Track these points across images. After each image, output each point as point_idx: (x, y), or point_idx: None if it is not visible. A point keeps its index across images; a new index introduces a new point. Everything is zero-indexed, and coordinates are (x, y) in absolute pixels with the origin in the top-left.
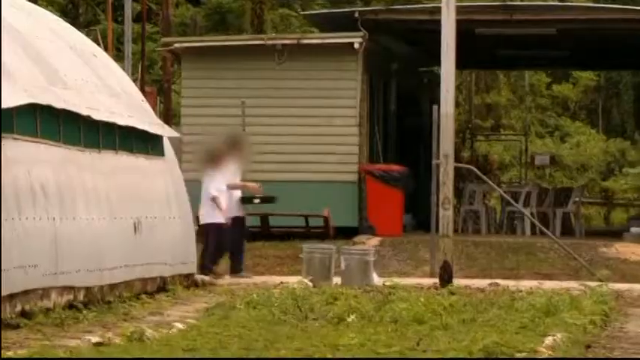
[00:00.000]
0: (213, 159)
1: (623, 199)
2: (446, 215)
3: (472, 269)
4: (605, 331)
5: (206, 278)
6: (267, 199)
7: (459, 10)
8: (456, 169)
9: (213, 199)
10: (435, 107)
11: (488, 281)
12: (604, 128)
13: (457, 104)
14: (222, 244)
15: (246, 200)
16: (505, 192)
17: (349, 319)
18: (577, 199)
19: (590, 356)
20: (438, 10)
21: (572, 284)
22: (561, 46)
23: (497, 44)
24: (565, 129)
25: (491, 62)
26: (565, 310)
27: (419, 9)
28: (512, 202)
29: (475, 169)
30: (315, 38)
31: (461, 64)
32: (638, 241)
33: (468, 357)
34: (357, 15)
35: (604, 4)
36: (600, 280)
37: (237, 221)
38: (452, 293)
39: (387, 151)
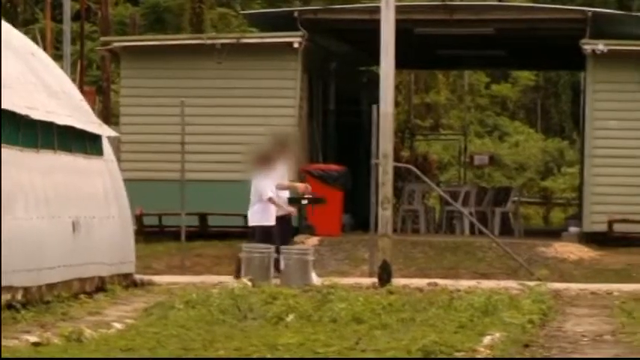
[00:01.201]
0: (264, 160)
1: (561, 199)
2: (385, 215)
3: (411, 269)
4: (544, 331)
5: (145, 278)
6: (315, 200)
7: (399, 9)
8: (395, 169)
9: (270, 201)
10: (374, 107)
11: (427, 281)
12: (542, 128)
13: (396, 104)
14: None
15: (294, 201)
16: (444, 191)
17: (288, 319)
18: (516, 198)
19: (528, 355)
20: (378, 9)
21: (511, 284)
22: (500, 46)
23: (436, 44)
24: (504, 128)
25: (430, 62)
26: (504, 309)
27: (358, 9)
28: (452, 201)
29: (414, 169)
30: (255, 38)
31: (400, 63)
32: (576, 241)
33: (407, 356)
34: (296, 14)
35: (543, 4)
36: (539, 280)
37: (283, 220)
38: (391, 293)
39: (326, 151)
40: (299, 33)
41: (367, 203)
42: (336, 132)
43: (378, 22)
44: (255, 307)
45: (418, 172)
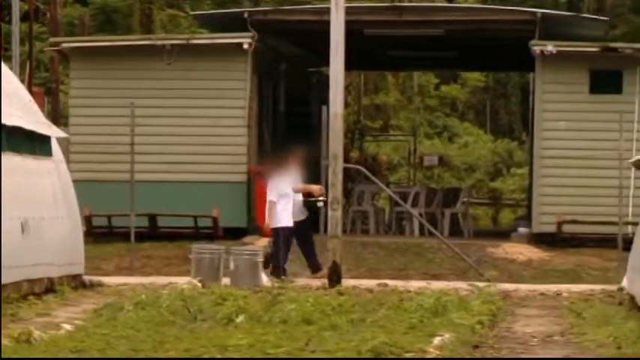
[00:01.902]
0: (279, 163)
1: (510, 200)
2: (334, 216)
3: (361, 270)
4: (493, 331)
5: (94, 279)
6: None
7: (348, 10)
8: (345, 170)
9: (270, 203)
10: (324, 108)
11: (376, 282)
12: (492, 129)
13: (346, 105)
14: (286, 246)
15: (310, 203)
16: (394, 192)
17: (238, 320)
18: (465, 199)
19: (478, 356)
20: (327, 11)
21: (461, 284)
22: (450, 47)
23: (385, 45)
24: (453, 129)
25: (380, 63)
26: (453, 310)
27: (308, 10)
28: (401, 202)
29: (364, 170)
30: (204, 39)
31: (350, 64)
32: (525, 242)
33: (357, 357)
34: (246, 15)
35: (492, 5)
36: (488, 281)
37: (302, 224)
38: (340, 294)
39: (276, 152)
40: (249, 34)
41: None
42: (285, 133)
43: (327, 23)
44: (205, 308)
45: (368, 173)
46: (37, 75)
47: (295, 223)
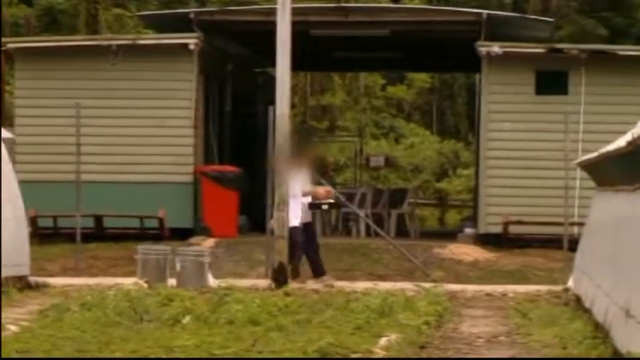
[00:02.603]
0: (289, 164)
1: (457, 200)
2: (281, 217)
3: (307, 270)
4: (440, 332)
5: (39, 280)
6: (337, 205)
7: (294, 11)
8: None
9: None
10: (270, 108)
11: (323, 282)
12: (438, 130)
13: (292, 105)
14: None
15: (314, 206)
16: (340, 193)
17: (184, 321)
18: (411, 200)
19: (424, 356)
20: (274, 11)
21: (407, 285)
22: (395, 48)
23: (332, 45)
24: (400, 130)
25: (326, 64)
26: (400, 311)
27: (254, 10)
28: (348, 203)
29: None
30: (150, 39)
31: (296, 65)
32: (471, 242)
33: (303, 357)
34: (192, 16)
35: (438, 6)
36: (434, 281)
37: (309, 226)
38: (287, 294)
39: (222, 153)
40: (195, 34)
41: (263, 205)
42: (232, 133)
43: (274, 23)
44: (152, 309)
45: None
46: None
47: (303, 224)
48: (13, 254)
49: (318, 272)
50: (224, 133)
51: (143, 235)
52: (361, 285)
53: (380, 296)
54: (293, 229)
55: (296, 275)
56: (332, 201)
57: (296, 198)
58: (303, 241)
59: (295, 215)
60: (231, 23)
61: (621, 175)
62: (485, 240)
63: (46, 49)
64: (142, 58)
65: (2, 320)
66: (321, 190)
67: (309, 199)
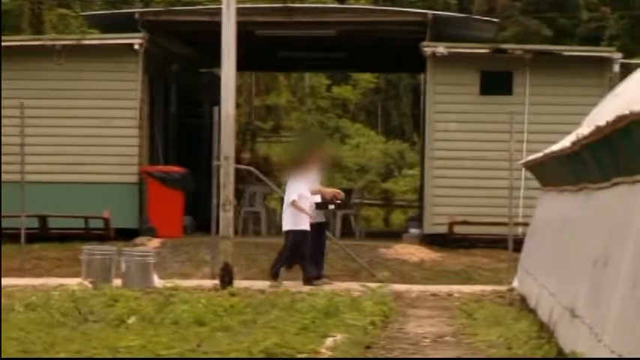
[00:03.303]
0: (298, 165)
1: (402, 201)
2: (226, 217)
3: (252, 270)
4: (385, 332)
5: None
6: (342, 206)
7: (240, 11)
8: (237, 171)
9: (293, 204)
10: (215, 108)
11: (268, 283)
12: (383, 130)
13: (237, 106)
14: (299, 251)
15: (321, 206)
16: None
17: (130, 321)
18: (357, 200)
19: (370, 356)
20: (219, 11)
21: (353, 285)
22: (341, 48)
23: (277, 46)
24: (345, 131)
25: (271, 64)
26: (345, 311)
27: (199, 10)
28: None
29: (255, 171)
30: (95, 39)
31: (241, 65)
32: (417, 243)
33: (249, 358)
34: (137, 16)
35: (384, 6)
36: (380, 282)
37: (316, 227)
38: (232, 295)
39: (167, 153)
40: (140, 34)
41: (208, 205)
42: (177, 134)
43: (219, 24)
44: (97, 309)
45: (259, 174)
46: None
47: (311, 225)
48: None
49: (310, 274)
50: (169, 133)
51: (88, 235)
52: (307, 285)
53: (326, 296)
54: (299, 233)
55: (310, 279)
56: (340, 202)
57: (304, 199)
58: (312, 242)
59: (304, 218)
60: (176, 23)
61: (566, 176)
62: (431, 240)
63: None
64: (86, 58)
65: None
66: (328, 190)
67: (317, 199)
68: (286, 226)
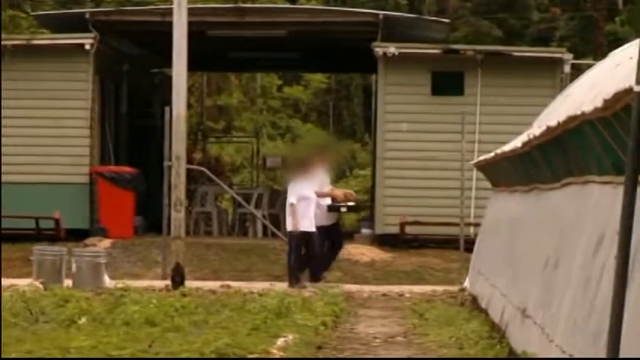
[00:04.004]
0: (302, 167)
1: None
2: (177, 217)
3: (204, 271)
4: (336, 332)
5: None
6: (355, 208)
7: (191, 11)
8: (188, 171)
9: (291, 207)
10: (167, 109)
11: (220, 283)
12: (335, 130)
13: (189, 106)
14: (306, 253)
15: (332, 209)
16: (237, 194)
17: (80, 322)
18: None
19: (321, 356)
20: (170, 11)
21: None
22: (292, 48)
23: (229, 46)
24: (296, 131)
25: (223, 64)
26: (297, 311)
27: (150, 10)
28: (244, 203)
29: (207, 171)
30: (46, 39)
31: (193, 65)
32: (368, 243)
33: (200, 358)
34: (87, 16)
35: (335, 7)
36: (331, 282)
37: (325, 230)
38: (184, 295)
39: (118, 153)
40: (90, 35)
41: (160, 205)
42: (128, 134)
43: (170, 24)
44: (47, 310)
45: (211, 175)
46: None
47: (323, 227)
48: None
49: (318, 272)
50: (120, 133)
51: (39, 236)
52: (258, 285)
53: (277, 297)
54: (301, 235)
55: (317, 279)
56: (351, 204)
57: (308, 200)
58: (322, 243)
59: (309, 220)
60: (127, 23)
61: (517, 176)
62: (382, 240)
63: None
64: (37, 58)
65: None
66: (339, 192)
67: (327, 201)
68: (288, 226)
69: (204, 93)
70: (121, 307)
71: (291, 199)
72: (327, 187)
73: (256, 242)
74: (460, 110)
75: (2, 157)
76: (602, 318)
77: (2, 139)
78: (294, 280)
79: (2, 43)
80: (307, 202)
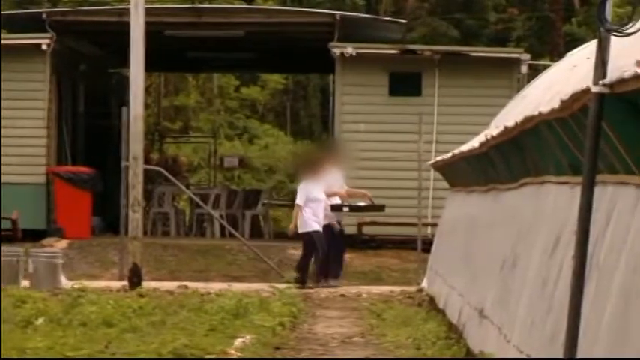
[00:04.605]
0: (311, 167)
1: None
2: (135, 217)
3: (161, 271)
4: (294, 333)
5: None
6: (359, 208)
7: (148, 12)
8: (146, 171)
9: (297, 207)
10: (124, 109)
11: (177, 283)
12: (292, 131)
13: (146, 106)
14: (314, 252)
15: (335, 209)
16: (194, 194)
17: (37, 323)
18: (265, 201)
19: (279, 357)
20: (127, 11)
21: (262, 286)
22: (249, 49)
23: (186, 46)
24: (253, 131)
25: (180, 64)
26: (254, 312)
27: (107, 10)
28: (202, 204)
29: (164, 172)
30: (3, 39)
31: (150, 65)
32: None
33: (158, 359)
34: (44, 16)
35: (292, 7)
36: (289, 282)
37: (328, 230)
38: (141, 296)
39: (75, 153)
40: (47, 35)
41: (117, 206)
42: (85, 134)
43: (127, 24)
44: (4, 310)
45: (168, 175)
46: None
47: (325, 227)
48: None
49: (324, 273)
50: (77, 133)
51: (10, 236)
52: (216, 286)
53: (234, 297)
54: (309, 235)
55: (319, 279)
56: (362, 204)
57: (318, 202)
58: (326, 243)
59: (317, 220)
60: (84, 23)
61: (475, 176)
62: None
63: None
64: None
65: None
66: (341, 192)
67: (337, 201)
68: (299, 229)
69: (162, 93)
70: (78, 308)
71: (298, 199)
72: (341, 188)
73: (214, 243)
74: (418, 111)
75: None
76: (560, 318)
77: None
78: (312, 279)
79: None
80: (317, 203)
